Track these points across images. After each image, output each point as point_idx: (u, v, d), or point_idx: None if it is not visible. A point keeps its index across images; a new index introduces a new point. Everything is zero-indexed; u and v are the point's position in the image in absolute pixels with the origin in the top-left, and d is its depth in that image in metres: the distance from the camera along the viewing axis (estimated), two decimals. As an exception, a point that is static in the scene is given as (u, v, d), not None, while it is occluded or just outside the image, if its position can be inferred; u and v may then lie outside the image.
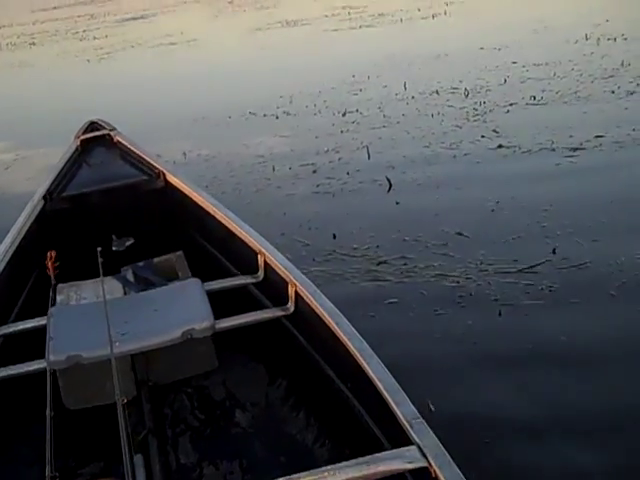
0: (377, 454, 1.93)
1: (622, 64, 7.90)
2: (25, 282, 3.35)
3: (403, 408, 2.01)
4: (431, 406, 2.73)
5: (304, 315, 2.73)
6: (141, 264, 3.41)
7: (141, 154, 4.02)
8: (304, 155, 6.35)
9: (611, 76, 7.58)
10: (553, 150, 5.67)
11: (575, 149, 5.61)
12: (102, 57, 13.99)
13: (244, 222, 3.30)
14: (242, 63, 11.66)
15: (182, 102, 9.13)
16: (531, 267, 3.89)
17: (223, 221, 3.39)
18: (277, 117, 7.87)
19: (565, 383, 2.99)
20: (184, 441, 2.71)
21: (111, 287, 3.13)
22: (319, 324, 2.55)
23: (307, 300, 2.67)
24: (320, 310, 2.55)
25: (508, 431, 2.76)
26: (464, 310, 3.60)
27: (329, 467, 1.88)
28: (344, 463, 1.89)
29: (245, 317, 2.85)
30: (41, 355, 2.57)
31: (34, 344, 2.71)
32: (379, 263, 4.18)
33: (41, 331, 2.72)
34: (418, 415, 1.98)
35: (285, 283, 2.85)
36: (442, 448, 1.86)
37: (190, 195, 3.69)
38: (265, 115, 7.99)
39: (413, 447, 1.89)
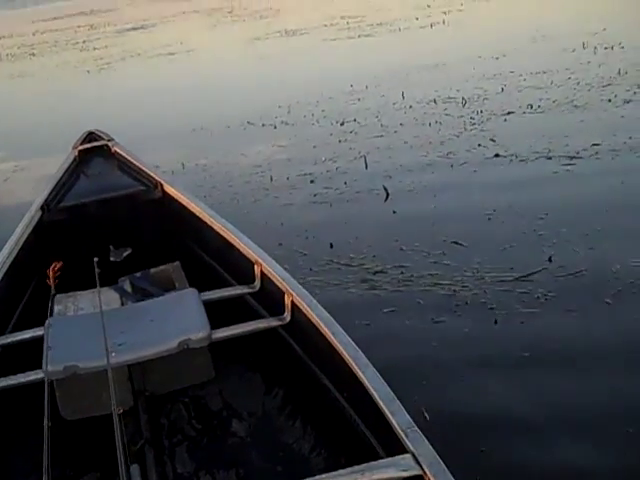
0: (372, 462, 1.94)
1: (619, 72, 7.93)
2: (23, 293, 3.36)
3: (398, 417, 2.02)
4: (425, 414, 2.74)
5: (300, 325, 2.74)
6: (138, 274, 3.42)
7: (139, 164, 4.03)
8: (302, 165, 6.38)
9: (608, 84, 7.61)
10: (550, 158, 5.69)
11: (572, 157, 5.63)
12: (102, 67, 14.06)
13: (241, 232, 3.31)
14: (241, 73, 11.72)
15: (181, 112, 9.17)
16: (527, 275, 3.90)
17: (220, 231, 3.41)
18: (275, 127, 7.90)
19: (561, 390, 3.00)
20: (181, 451, 2.71)
21: (108, 297, 3.14)
22: (315, 334, 2.55)
23: (303, 310, 2.68)
24: (316, 320, 2.56)
25: (503, 432, 2.81)
26: (460, 318, 3.61)
27: (325, 476, 1.90)
28: (339, 471, 1.90)
29: (242, 327, 2.86)
30: (38, 366, 2.58)
31: (31, 355, 2.72)
32: (376, 272, 4.20)
33: (38, 342, 2.73)
34: (413, 424, 1.98)
35: (281, 293, 2.86)
36: (437, 457, 1.87)
37: (187, 205, 3.71)
38: (263, 125, 8.02)
39: (408, 455, 1.90)
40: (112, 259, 3.52)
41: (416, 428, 1.97)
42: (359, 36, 13.49)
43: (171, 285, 3.35)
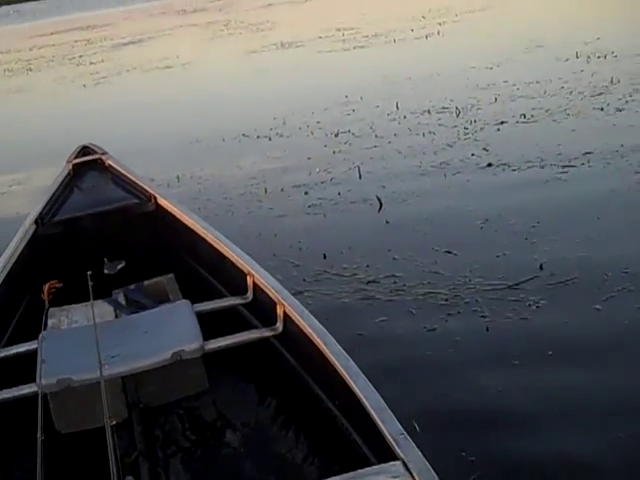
0: (362, 469, 1.95)
1: (611, 81, 7.97)
2: (17, 306, 3.37)
3: (389, 425, 2.04)
4: (415, 425, 2.76)
5: (293, 335, 2.75)
6: (132, 287, 3.44)
7: (132, 178, 4.06)
8: (296, 176, 6.40)
9: (600, 93, 7.65)
10: (542, 167, 5.72)
11: (564, 166, 5.66)
12: (98, 82, 14.11)
13: (234, 244, 3.34)
14: (236, 85, 11.78)
15: (176, 125, 9.20)
16: (518, 284, 3.92)
17: (213, 243, 3.43)
18: (270, 139, 7.93)
19: (553, 395, 3.03)
20: (175, 462, 2.72)
21: (102, 310, 3.16)
22: (307, 344, 2.58)
23: (295, 320, 2.70)
24: (308, 330, 2.58)
25: (496, 438, 2.84)
26: (452, 327, 3.63)
27: None
28: (331, 479, 1.92)
29: (234, 337, 2.88)
30: (32, 379, 2.59)
31: (25, 368, 2.73)
32: (369, 282, 4.22)
33: (32, 355, 2.74)
34: (403, 431, 2.00)
35: (274, 303, 2.88)
36: (427, 463, 1.89)
37: (181, 218, 3.73)
38: (258, 137, 8.05)
39: (398, 462, 1.91)
40: (106, 272, 3.53)
41: (406, 435, 1.99)
42: (354, 48, 13.56)
43: (165, 297, 3.37)
